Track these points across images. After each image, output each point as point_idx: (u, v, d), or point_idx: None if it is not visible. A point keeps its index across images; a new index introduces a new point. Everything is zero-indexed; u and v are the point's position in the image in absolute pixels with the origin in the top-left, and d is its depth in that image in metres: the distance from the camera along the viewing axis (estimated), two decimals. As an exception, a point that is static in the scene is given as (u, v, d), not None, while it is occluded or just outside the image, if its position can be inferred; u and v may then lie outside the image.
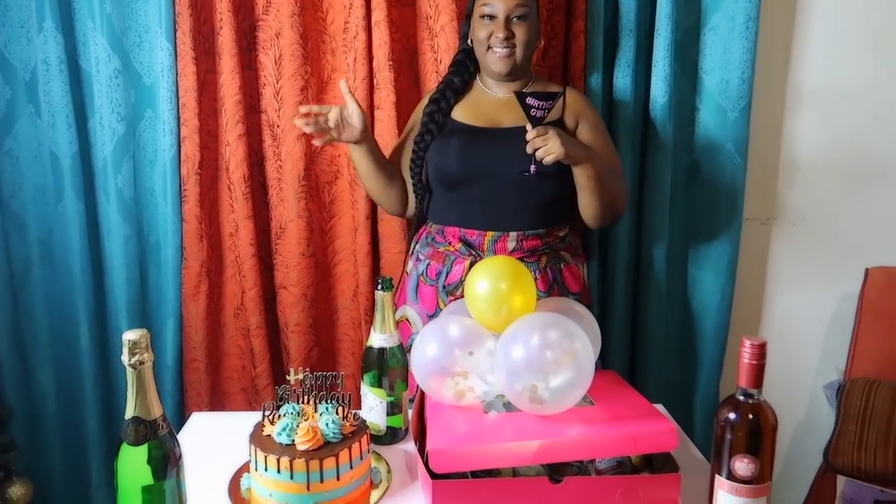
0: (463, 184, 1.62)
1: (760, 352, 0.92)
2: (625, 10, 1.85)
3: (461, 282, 1.59)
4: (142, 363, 0.88)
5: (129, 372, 0.88)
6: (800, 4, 1.99)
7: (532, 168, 1.47)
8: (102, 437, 2.10)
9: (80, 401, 2.09)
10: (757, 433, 0.92)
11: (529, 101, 1.43)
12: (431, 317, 1.64)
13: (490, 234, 1.61)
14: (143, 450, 0.89)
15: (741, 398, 0.94)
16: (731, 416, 0.93)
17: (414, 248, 1.76)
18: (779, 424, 0.94)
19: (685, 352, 2.11)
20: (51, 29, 1.84)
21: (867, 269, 2.00)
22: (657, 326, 2.02)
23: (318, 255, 1.99)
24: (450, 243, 1.65)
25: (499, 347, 1.06)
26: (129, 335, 0.88)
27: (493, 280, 1.13)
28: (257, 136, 1.96)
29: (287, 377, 1.12)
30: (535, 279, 1.59)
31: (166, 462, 0.91)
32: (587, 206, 1.59)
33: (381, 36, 1.81)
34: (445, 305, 1.62)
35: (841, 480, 1.82)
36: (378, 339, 1.25)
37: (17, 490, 1.91)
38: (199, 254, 1.96)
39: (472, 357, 1.11)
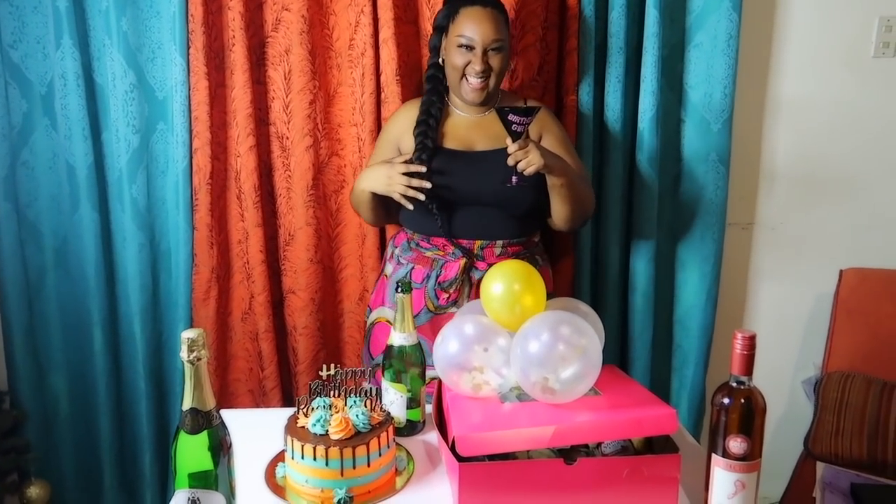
0: (449, 205, 1.71)
1: (751, 343, 1.03)
2: (614, 29, 1.95)
3: (456, 279, 1.69)
4: (199, 359, 0.97)
5: (188, 367, 0.97)
6: (777, 24, 2.12)
7: (514, 179, 1.57)
8: (114, 438, 2.15)
9: (92, 403, 2.14)
10: (749, 415, 1.04)
11: (511, 117, 1.51)
12: (415, 318, 1.73)
13: (479, 242, 1.72)
14: (201, 437, 0.98)
15: (734, 384, 1.05)
16: (726, 400, 1.05)
17: (393, 252, 1.83)
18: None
19: (673, 349, 2.21)
20: (68, 45, 1.90)
21: (841, 271, 2.11)
22: (646, 326, 2.12)
23: (325, 260, 2.07)
24: (440, 248, 1.74)
25: (514, 343, 1.17)
26: (188, 334, 0.96)
27: (507, 282, 1.24)
28: (265, 147, 2.04)
29: (319, 373, 1.21)
30: None
31: (219, 449, 1.00)
32: (560, 211, 1.70)
33: (388, 53, 1.89)
34: (433, 305, 1.71)
35: (820, 466, 1.94)
36: (398, 338, 1.34)
37: (34, 490, 1.97)
38: (209, 260, 2.03)
39: (487, 353, 1.21)
